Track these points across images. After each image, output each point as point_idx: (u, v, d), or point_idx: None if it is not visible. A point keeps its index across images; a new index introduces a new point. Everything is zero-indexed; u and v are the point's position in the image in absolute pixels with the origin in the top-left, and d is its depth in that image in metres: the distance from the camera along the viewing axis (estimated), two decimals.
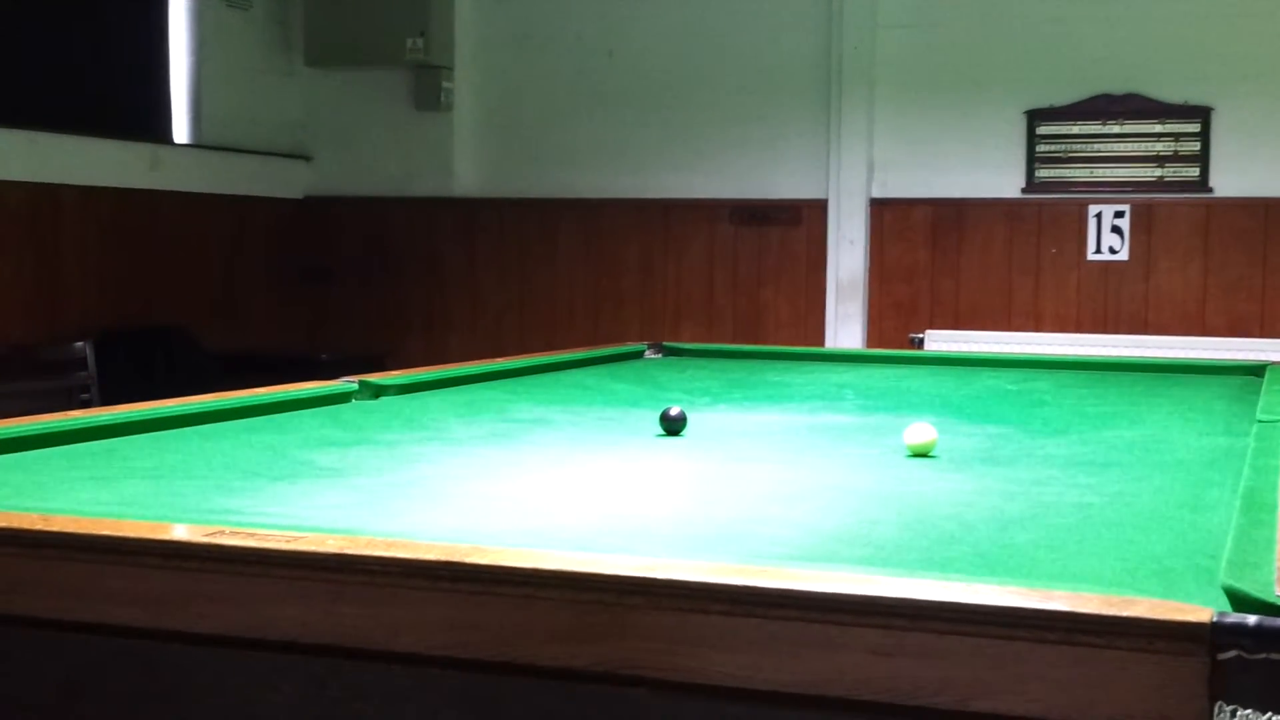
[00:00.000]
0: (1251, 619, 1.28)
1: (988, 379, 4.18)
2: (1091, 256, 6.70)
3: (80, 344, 6.14)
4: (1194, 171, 6.56)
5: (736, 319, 7.22)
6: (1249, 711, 1.25)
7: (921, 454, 2.55)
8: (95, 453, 2.47)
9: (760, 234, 7.18)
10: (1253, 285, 6.51)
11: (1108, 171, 6.68)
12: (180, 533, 1.69)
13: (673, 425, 2.81)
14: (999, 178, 6.83)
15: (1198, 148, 6.55)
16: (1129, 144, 6.64)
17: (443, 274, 7.64)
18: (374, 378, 3.46)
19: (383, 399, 3.35)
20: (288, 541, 1.59)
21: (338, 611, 1.54)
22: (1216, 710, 1.26)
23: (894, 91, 6.95)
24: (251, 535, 1.63)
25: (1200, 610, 1.30)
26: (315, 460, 2.45)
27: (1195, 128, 6.55)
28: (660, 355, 4.82)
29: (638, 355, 4.76)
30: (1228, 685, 1.26)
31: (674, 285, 7.33)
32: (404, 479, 2.28)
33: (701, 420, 3.00)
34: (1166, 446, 2.73)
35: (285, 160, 7.67)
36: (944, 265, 6.92)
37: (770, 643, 1.40)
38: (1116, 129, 6.65)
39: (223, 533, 1.63)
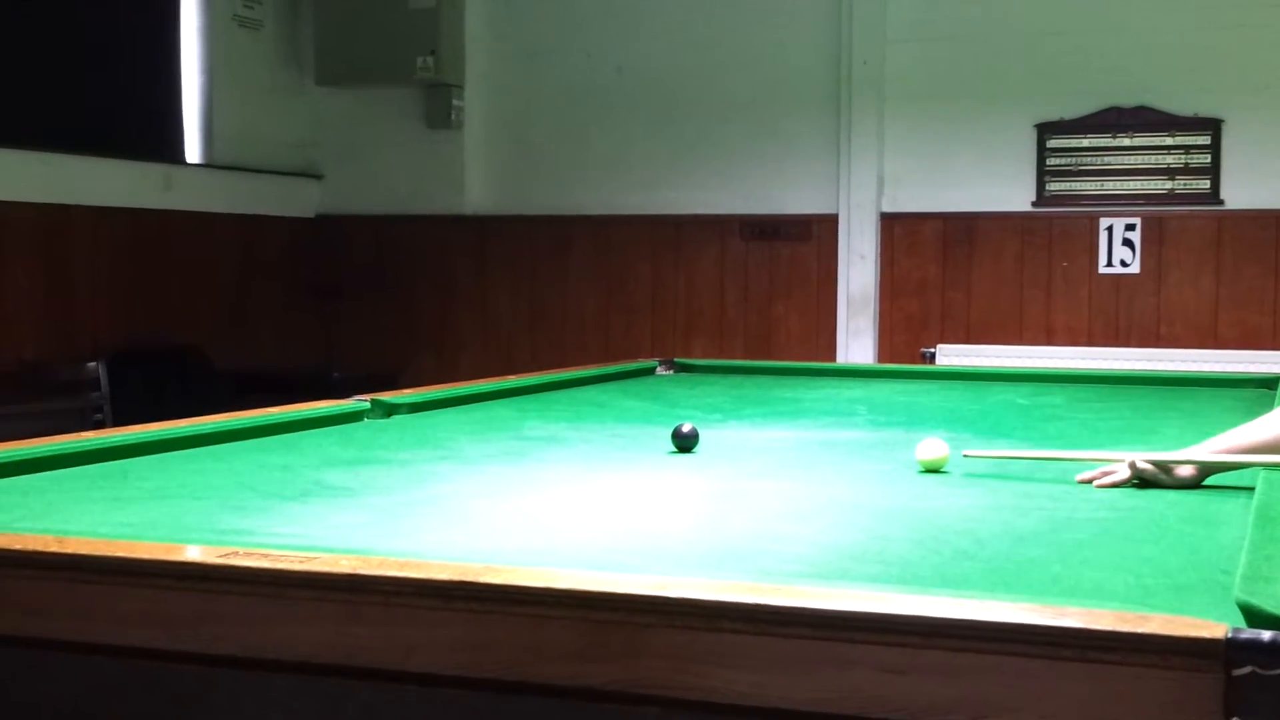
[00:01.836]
0: (1266, 635, 1.27)
1: (999, 393, 4.17)
2: (1103, 270, 6.69)
3: (93, 364, 6.15)
4: (1205, 184, 6.55)
5: (748, 334, 7.22)
6: None
7: (934, 469, 2.55)
8: (108, 474, 2.48)
9: (771, 249, 7.18)
10: (1264, 297, 6.49)
11: (1118, 184, 6.67)
12: (194, 554, 1.69)
13: (684, 442, 2.81)
14: (1009, 191, 6.82)
15: (1208, 160, 6.54)
16: (1139, 157, 6.63)
17: (454, 291, 7.65)
18: (386, 396, 3.46)
19: (395, 417, 3.35)
20: (301, 562, 1.59)
21: (351, 632, 1.54)
22: None
23: (904, 105, 6.95)
24: (265, 556, 1.63)
25: (1214, 626, 1.30)
26: (328, 480, 2.45)
27: (1206, 140, 6.54)
28: (672, 372, 4.82)
29: (649, 372, 4.76)
30: (1242, 701, 1.26)
31: (685, 301, 7.33)
32: (416, 498, 2.28)
33: (713, 437, 3.00)
34: None
35: (297, 179, 7.70)
36: (955, 279, 6.92)
37: (782, 661, 1.39)
38: (1127, 142, 6.65)
39: (236, 553, 1.64)
